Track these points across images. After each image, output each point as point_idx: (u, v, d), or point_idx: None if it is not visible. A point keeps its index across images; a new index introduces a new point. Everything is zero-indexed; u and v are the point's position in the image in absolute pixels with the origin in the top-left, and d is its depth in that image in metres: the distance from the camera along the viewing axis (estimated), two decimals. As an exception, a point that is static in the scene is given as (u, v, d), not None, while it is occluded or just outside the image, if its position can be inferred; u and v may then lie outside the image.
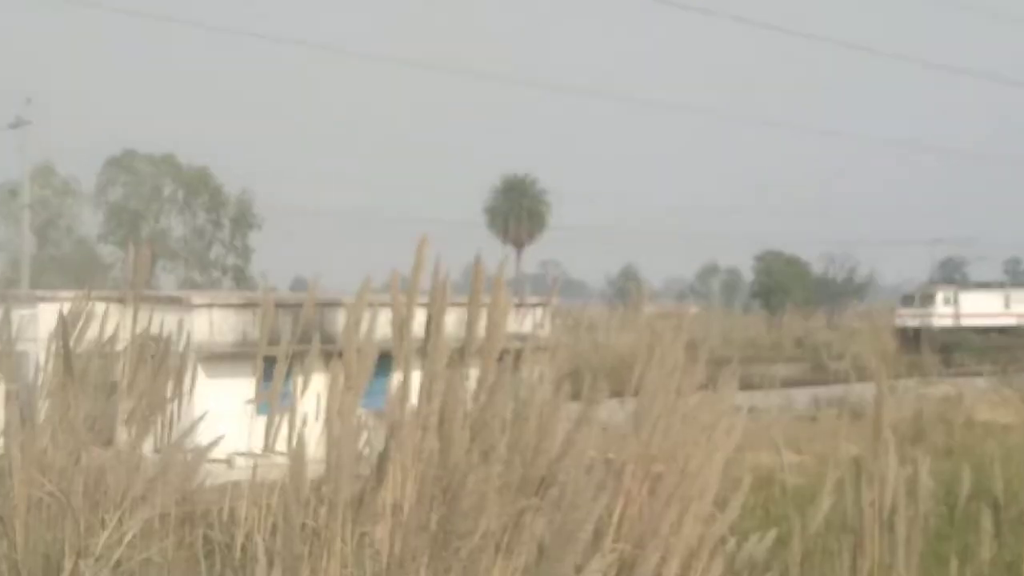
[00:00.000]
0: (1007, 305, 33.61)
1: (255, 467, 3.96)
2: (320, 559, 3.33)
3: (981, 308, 32.49)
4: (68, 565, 3.93)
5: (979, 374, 18.15)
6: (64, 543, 3.99)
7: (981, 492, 4.03)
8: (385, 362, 3.61)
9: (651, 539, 3.47)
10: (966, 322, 31.99)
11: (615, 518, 3.52)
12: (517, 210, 42.76)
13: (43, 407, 4.26)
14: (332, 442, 3.22)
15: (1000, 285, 38.67)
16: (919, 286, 38.95)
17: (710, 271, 66.15)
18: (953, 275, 52.99)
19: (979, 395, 13.79)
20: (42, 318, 5.63)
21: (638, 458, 3.53)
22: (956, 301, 32.91)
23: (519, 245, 43.13)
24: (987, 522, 3.36)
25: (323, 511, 3.35)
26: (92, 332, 4.34)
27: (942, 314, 32.52)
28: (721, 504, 3.38)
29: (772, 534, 3.32)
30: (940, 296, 33.38)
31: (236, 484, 4.09)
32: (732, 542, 3.36)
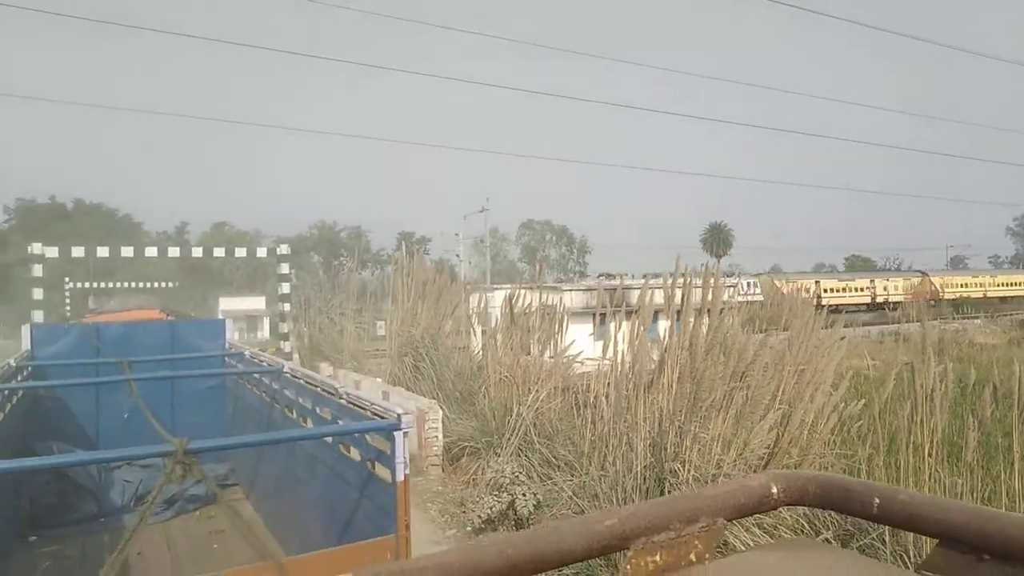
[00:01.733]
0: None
1: (597, 365, 7.90)
2: (631, 410, 6.99)
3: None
4: (514, 408, 8.28)
5: (976, 318, 29.56)
6: (511, 399, 8.38)
7: (981, 381, 6.45)
8: (657, 316, 7.24)
9: (798, 403, 6.69)
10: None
11: (780, 392, 6.78)
12: (717, 240, 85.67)
13: (499, 337, 8.70)
14: (634, 353, 6.95)
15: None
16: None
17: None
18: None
19: (976, 329, 23.48)
20: (497, 296, 10.34)
21: (791, 361, 6.76)
22: None
23: (719, 257, 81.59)
24: (987, 394, 5.88)
25: (630, 386, 7.05)
26: (519, 303, 8.69)
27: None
28: (835, 386, 6.53)
29: (861, 402, 6.35)
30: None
31: (587, 372, 8.07)
32: (841, 406, 6.48)
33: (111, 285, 39.78)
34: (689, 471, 5.98)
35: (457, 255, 48.80)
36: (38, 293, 16.40)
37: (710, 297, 6.99)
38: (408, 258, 12.36)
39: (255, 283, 54.07)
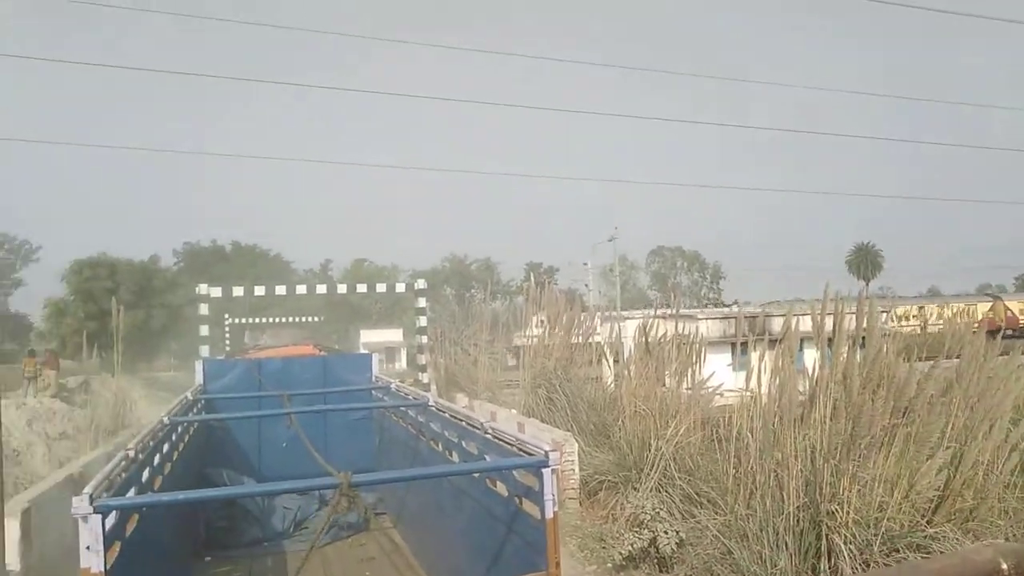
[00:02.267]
0: None
1: (739, 398, 7.59)
2: (780, 446, 6.56)
3: None
4: (652, 442, 8.09)
5: None
6: (648, 432, 8.20)
7: None
8: (802, 344, 6.88)
9: (971, 440, 6.10)
10: None
11: (949, 428, 6.21)
12: (865, 261, 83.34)
13: (632, 368, 8.58)
14: (781, 385, 6.60)
15: None
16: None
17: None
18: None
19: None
20: (629, 326, 10.29)
21: (960, 394, 6.20)
22: None
23: (867, 280, 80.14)
24: None
25: (777, 420, 6.67)
26: (653, 332, 8.55)
27: None
28: (1015, 421, 5.92)
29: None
30: None
31: (727, 405, 7.77)
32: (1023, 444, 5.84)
33: (264, 320, 42.94)
34: (848, 513, 5.59)
35: (586, 284, 48.81)
36: (204, 330, 17.99)
37: (864, 324, 6.57)
38: (538, 289, 12.49)
39: (392, 316, 56.63)
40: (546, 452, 3.40)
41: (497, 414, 10.14)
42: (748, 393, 7.21)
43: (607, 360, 11.33)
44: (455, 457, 4.87)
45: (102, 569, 2.70)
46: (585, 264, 51.34)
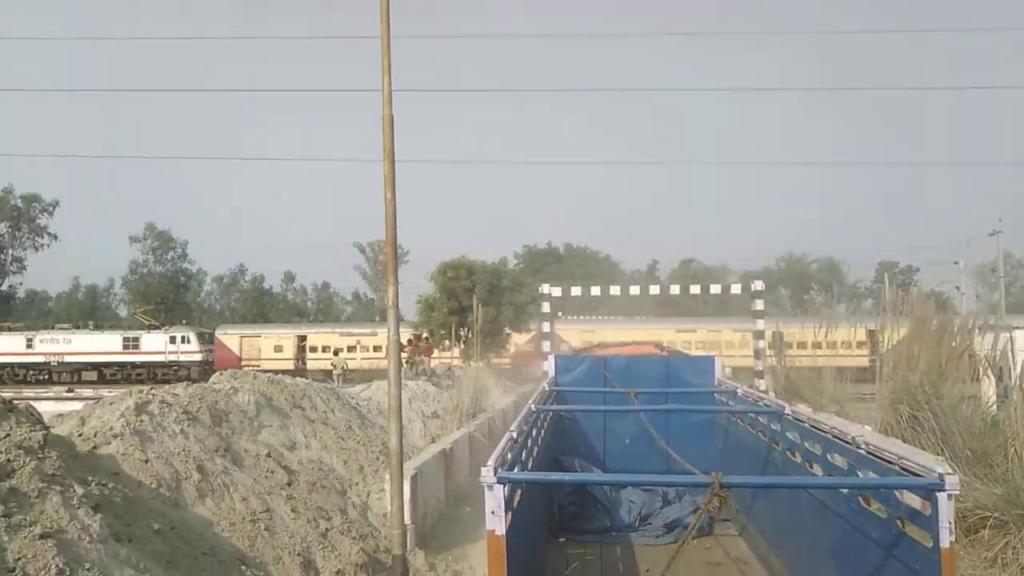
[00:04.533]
0: None
1: None
2: None
3: None
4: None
5: None
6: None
7: None
8: None
9: None
10: None
11: None
12: None
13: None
14: None
15: None
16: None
17: None
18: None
19: None
20: (1019, 336, 8.82)
21: None
22: None
23: None
24: None
25: None
26: None
27: None
28: None
29: None
30: None
31: None
32: None
33: (594, 318, 45.17)
34: None
35: (957, 287, 42.06)
36: (546, 326, 19.52)
37: None
38: (898, 291, 11.18)
39: (720, 316, 55.37)
40: (940, 475, 3.06)
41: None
42: None
43: (989, 377, 9.70)
44: (816, 470, 4.60)
45: (503, 532, 3.10)
46: (956, 263, 44.35)
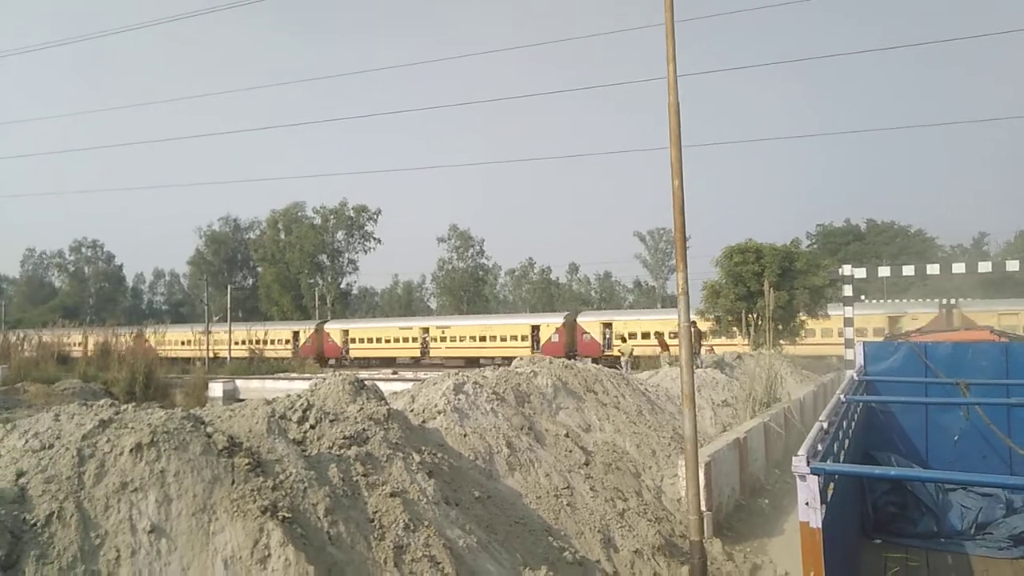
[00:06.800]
0: None
1: None
2: None
3: None
4: None
5: None
6: None
7: None
8: None
9: None
10: None
11: None
12: None
13: None
14: None
15: None
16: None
17: None
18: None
19: None
20: None
21: None
22: None
23: None
24: None
25: None
26: None
27: None
28: None
29: None
30: None
31: None
32: None
33: (902, 301, 40.10)
34: None
35: None
36: (848, 311, 17.86)
37: None
38: None
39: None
40: None
41: None
42: None
43: None
44: None
45: (819, 525, 2.96)
46: None
